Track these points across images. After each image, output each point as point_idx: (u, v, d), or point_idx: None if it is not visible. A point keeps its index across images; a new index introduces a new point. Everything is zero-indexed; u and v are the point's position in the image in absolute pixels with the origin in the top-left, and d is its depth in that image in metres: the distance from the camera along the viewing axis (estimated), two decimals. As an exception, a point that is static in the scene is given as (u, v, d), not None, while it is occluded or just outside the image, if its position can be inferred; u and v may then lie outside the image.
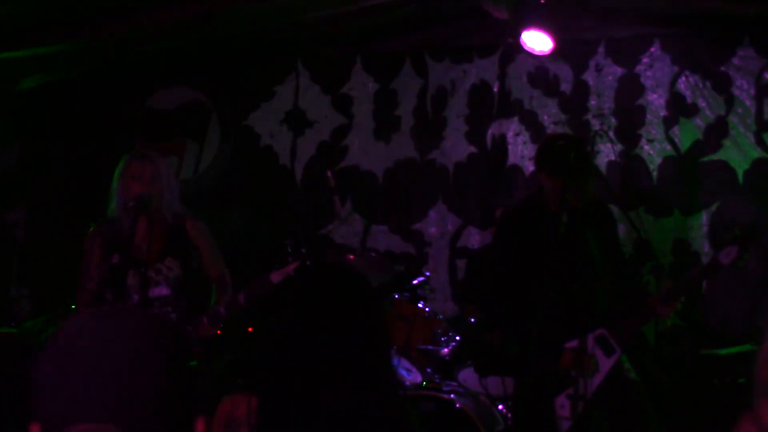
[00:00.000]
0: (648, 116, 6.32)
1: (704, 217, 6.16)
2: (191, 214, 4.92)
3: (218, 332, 5.39)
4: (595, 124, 6.36)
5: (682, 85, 6.24)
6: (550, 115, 6.56)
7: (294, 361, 2.22)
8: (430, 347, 5.43)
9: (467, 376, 5.48)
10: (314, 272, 2.42)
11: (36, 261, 7.34)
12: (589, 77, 6.47)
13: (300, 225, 6.72)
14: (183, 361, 1.54)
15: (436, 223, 6.80)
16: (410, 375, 5.58)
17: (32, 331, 6.25)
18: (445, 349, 5.41)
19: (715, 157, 6.18)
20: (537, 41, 5.96)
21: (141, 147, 7.11)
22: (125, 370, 1.47)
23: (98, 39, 5.97)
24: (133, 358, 1.49)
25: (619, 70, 6.41)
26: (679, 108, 6.24)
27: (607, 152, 6.23)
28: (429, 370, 5.40)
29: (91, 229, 4.87)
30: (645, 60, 6.34)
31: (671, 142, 6.26)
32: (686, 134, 6.22)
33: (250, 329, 6.17)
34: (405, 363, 5.53)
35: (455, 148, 6.80)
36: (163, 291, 4.73)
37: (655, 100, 6.30)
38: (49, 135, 7.45)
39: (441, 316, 5.64)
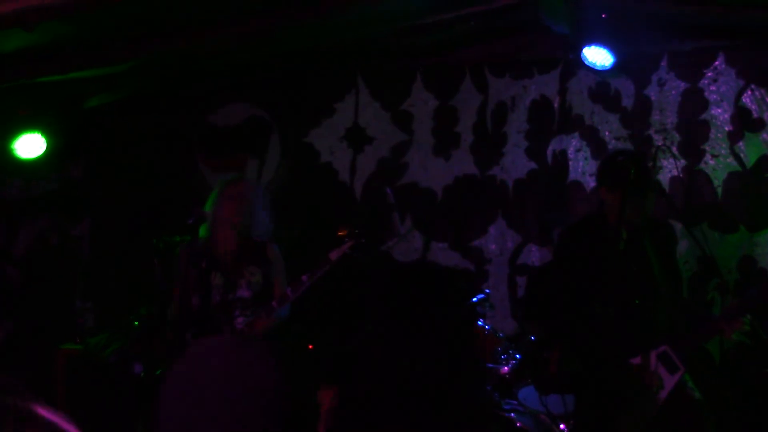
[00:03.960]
0: (712, 131, 6.21)
1: (771, 234, 6.04)
2: (272, 240, 5.41)
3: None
4: (658, 140, 6.27)
5: (747, 99, 6.13)
6: (612, 131, 6.48)
7: (380, 362, 2.21)
8: (490, 365, 5.39)
9: (527, 394, 5.42)
10: (412, 275, 2.39)
11: (100, 275, 7.45)
12: (652, 92, 6.39)
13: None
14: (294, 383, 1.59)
15: (496, 240, 6.76)
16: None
17: (96, 347, 6.34)
18: (505, 367, 5.37)
19: (782, 172, 6.06)
20: (598, 56, 5.91)
21: (204, 163, 7.25)
22: (249, 393, 1.51)
23: (162, 57, 6.06)
24: (255, 381, 1.53)
25: (682, 85, 6.32)
26: (744, 122, 6.13)
27: (670, 168, 6.14)
28: (489, 388, 5.36)
29: (180, 248, 5.27)
30: (709, 74, 6.24)
31: (736, 157, 6.14)
32: (752, 149, 6.10)
33: (310, 346, 6.20)
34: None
35: (515, 164, 6.76)
36: (244, 293, 5.15)
37: (720, 115, 6.19)
38: (113, 150, 7.57)
39: (501, 334, 5.59)
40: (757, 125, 6.11)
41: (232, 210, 5.25)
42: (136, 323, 6.16)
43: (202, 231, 5.24)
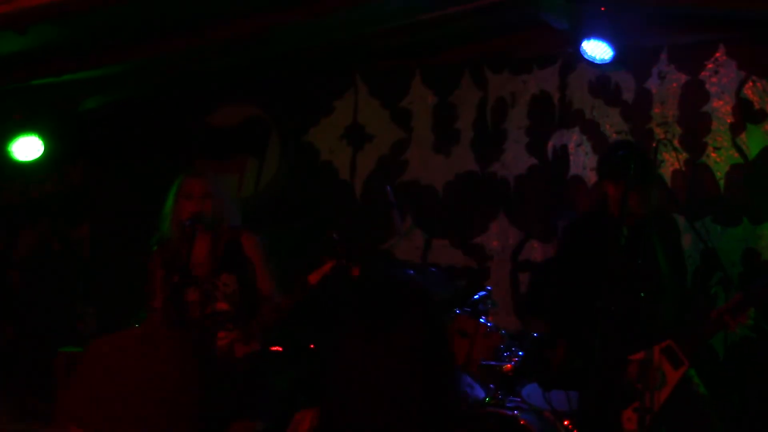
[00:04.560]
0: (714, 123, 6.16)
1: (775, 226, 5.99)
2: (248, 228, 5.02)
3: (280, 349, 5.53)
4: (659, 133, 6.23)
5: (748, 90, 6.08)
6: (612, 125, 6.44)
7: (354, 377, 2.18)
8: (492, 362, 5.35)
9: (531, 391, 5.39)
10: (375, 285, 2.37)
11: (101, 279, 7.43)
12: (652, 85, 6.34)
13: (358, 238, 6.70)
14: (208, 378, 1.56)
15: (498, 237, 6.72)
16: (473, 391, 5.50)
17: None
18: (508, 365, 5.33)
19: (785, 163, 6.01)
20: (597, 50, 5.87)
21: (200, 164, 7.20)
22: (157, 386, 1.48)
23: (157, 59, 6.03)
24: (164, 376, 1.50)
25: (683, 77, 6.26)
26: (746, 114, 6.07)
27: (671, 161, 6.09)
28: (492, 385, 5.32)
29: (153, 250, 4.99)
30: (710, 66, 6.19)
31: (738, 149, 6.09)
32: (754, 141, 6.05)
33: (312, 346, 6.17)
34: (467, 379, 5.45)
35: (516, 160, 6.72)
36: (222, 306, 4.83)
37: (721, 107, 6.14)
38: (112, 154, 7.56)
39: (503, 331, 5.55)
40: (758, 117, 6.05)
41: (193, 209, 4.75)
42: (136, 326, 6.14)
43: (165, 231, 4.89)
